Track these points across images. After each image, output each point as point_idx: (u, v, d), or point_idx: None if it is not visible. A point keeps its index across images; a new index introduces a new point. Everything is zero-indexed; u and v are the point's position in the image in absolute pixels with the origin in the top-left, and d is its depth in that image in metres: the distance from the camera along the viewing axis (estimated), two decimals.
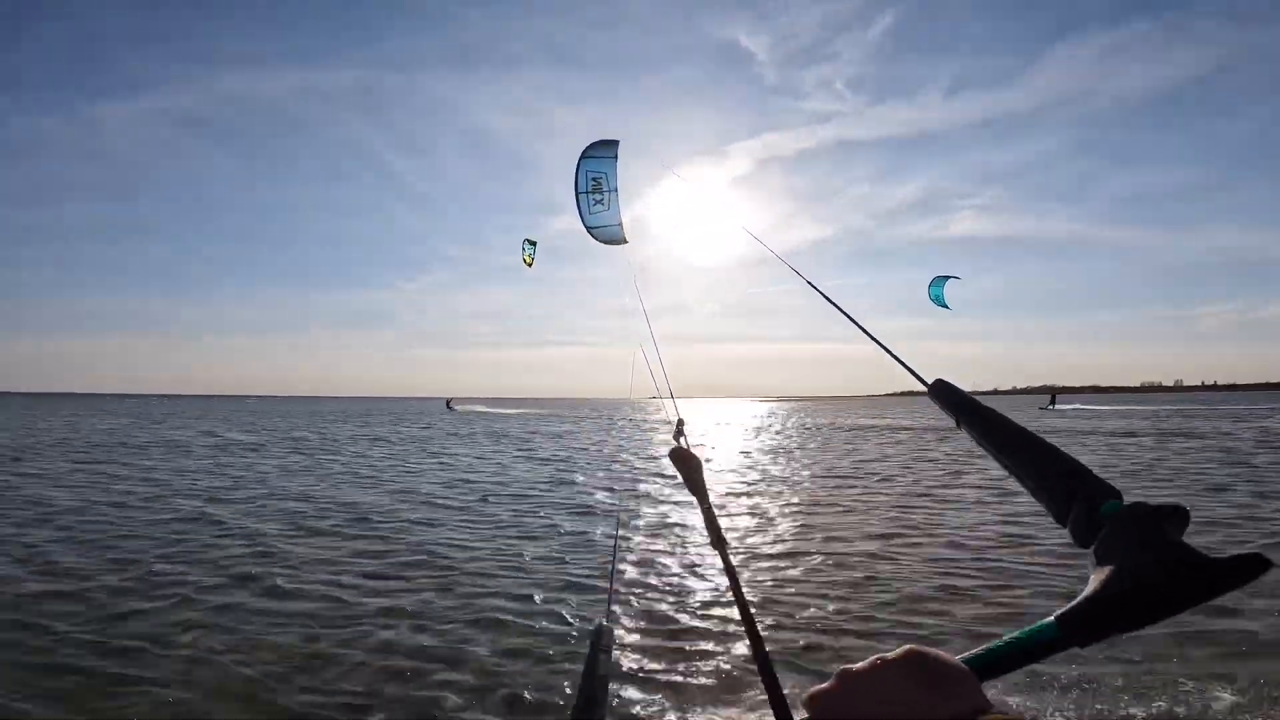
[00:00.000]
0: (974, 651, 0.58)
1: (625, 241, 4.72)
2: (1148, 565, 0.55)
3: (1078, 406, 58.40)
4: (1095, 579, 0.57)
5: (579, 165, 4.35)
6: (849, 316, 1.36)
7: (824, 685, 0.52)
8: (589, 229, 4.53)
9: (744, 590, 0.92)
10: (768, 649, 0.80)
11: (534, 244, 11.43)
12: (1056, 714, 3.83)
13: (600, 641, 0.91)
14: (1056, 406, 50.73)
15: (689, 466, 1.13)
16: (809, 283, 1.53)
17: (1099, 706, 3.91)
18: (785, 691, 0.73)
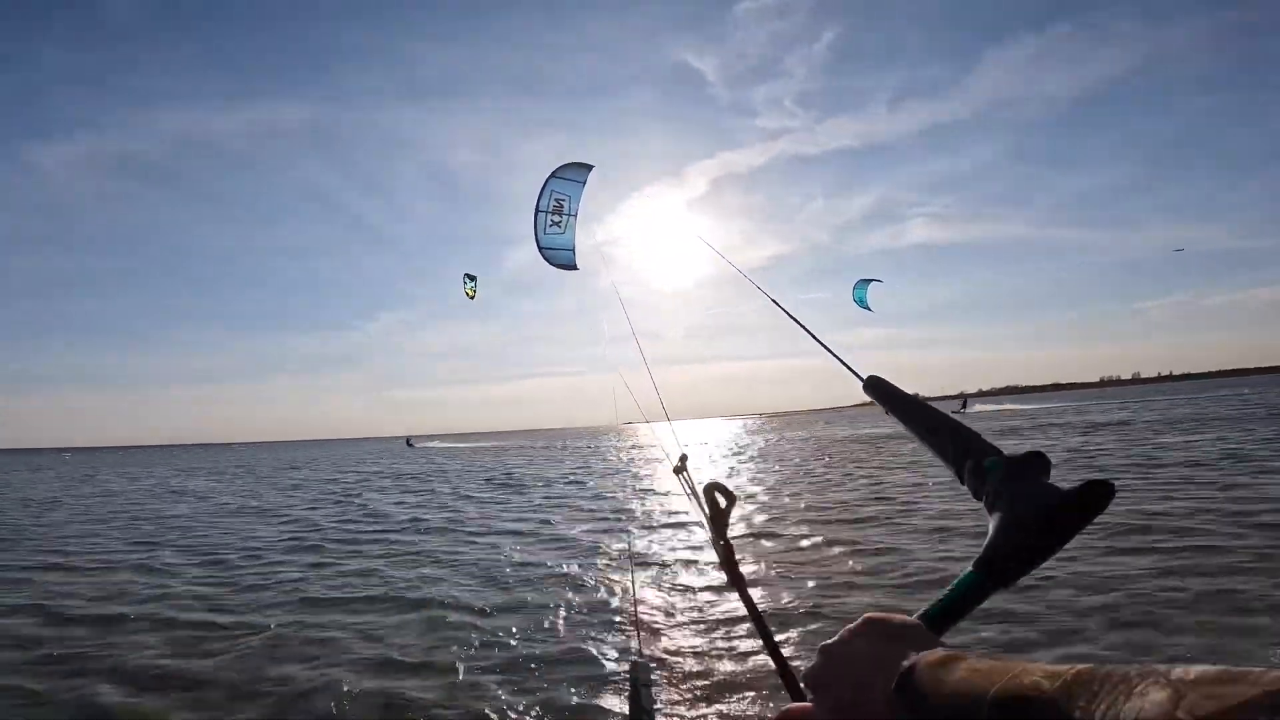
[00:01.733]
0: (922, 609, 0.66)
1: (576, 268, 4.68)
2: (1023, 506, 0.65)
3: (989, 408, 65.89)
4: (991, 526, 0.66)
5: (546, 183, 4.34)
6: (792, 317, 1.48)
7: (812, 664, 0.61)
8: (541, 249, 4.50)
9: (766, 621, 0.96)
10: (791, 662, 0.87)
11: (473, 279, 11.83)
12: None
13: (639, 677, 0.92)
14: (966, 410, 54.88)
15: (715, 506, 1.04)
16: (759, 288, 1.60)
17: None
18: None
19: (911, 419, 0.87)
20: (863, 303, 17.54)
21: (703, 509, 1.06)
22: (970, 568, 0.65)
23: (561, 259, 4.40)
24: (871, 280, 17.96)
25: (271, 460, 52.92)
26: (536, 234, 4.37)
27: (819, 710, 0.59)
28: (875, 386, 0.96)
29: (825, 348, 1.24)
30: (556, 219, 4.42)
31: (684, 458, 1.41)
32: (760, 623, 0.94)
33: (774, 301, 1.58)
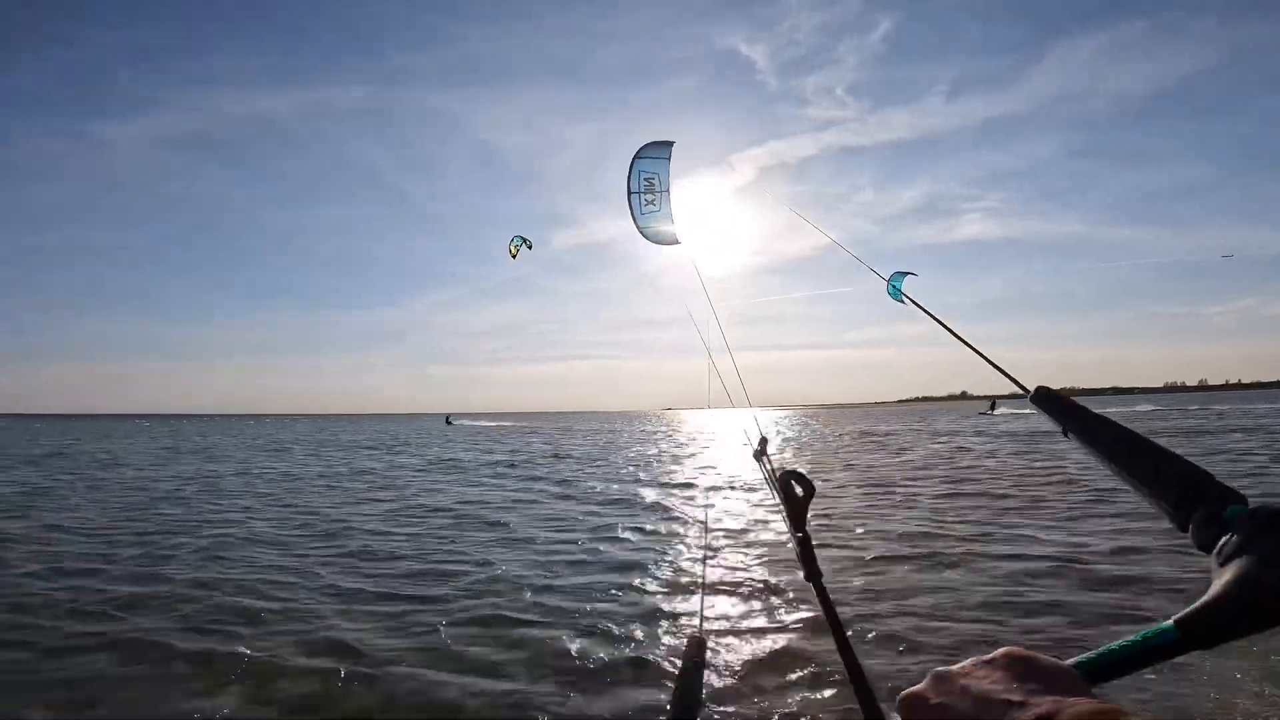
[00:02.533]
0: (1086, 655, 0.57)
1: (679, 242, 4.56)
2: (1274, 569, 0.54)
3: (1014, 410, 60.13)
4: (1218, 582, 0.55)
5: (632, 165, 4.20)
6: (933, 316, 1.43)
7: (917, 686, 0.54)
8: (641, 230, 4.37)
9: (838, 612, 0.89)
10: (861, 661, 0.79)
11: (525, 240, 11.69)
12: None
13: (695, 653, 0.90)
14: (995, 412, 52.86)
15: (791, 495, 0.98)
16: (872, 269, 1.41)
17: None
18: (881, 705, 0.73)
19: (1101, 442, 0.72)
20: (897, 295, 16.86)
21: (780, 496, 1.02)
22: (1168, 622, 0.55)
23: (662, 236, 4.25)
24: (908, 274, 17.30)
25: (362, 435, 51.65)
26: (634, 216, 4.20)
27: None
28: (1045, 400, 0.82)
29: (980, 354, 1.20)
30: (650, 198, 4.25)
31: (764, 441, 1.37)
32: (836, 623, 0.86)
33: (915, 303, 1.53)
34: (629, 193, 4.30)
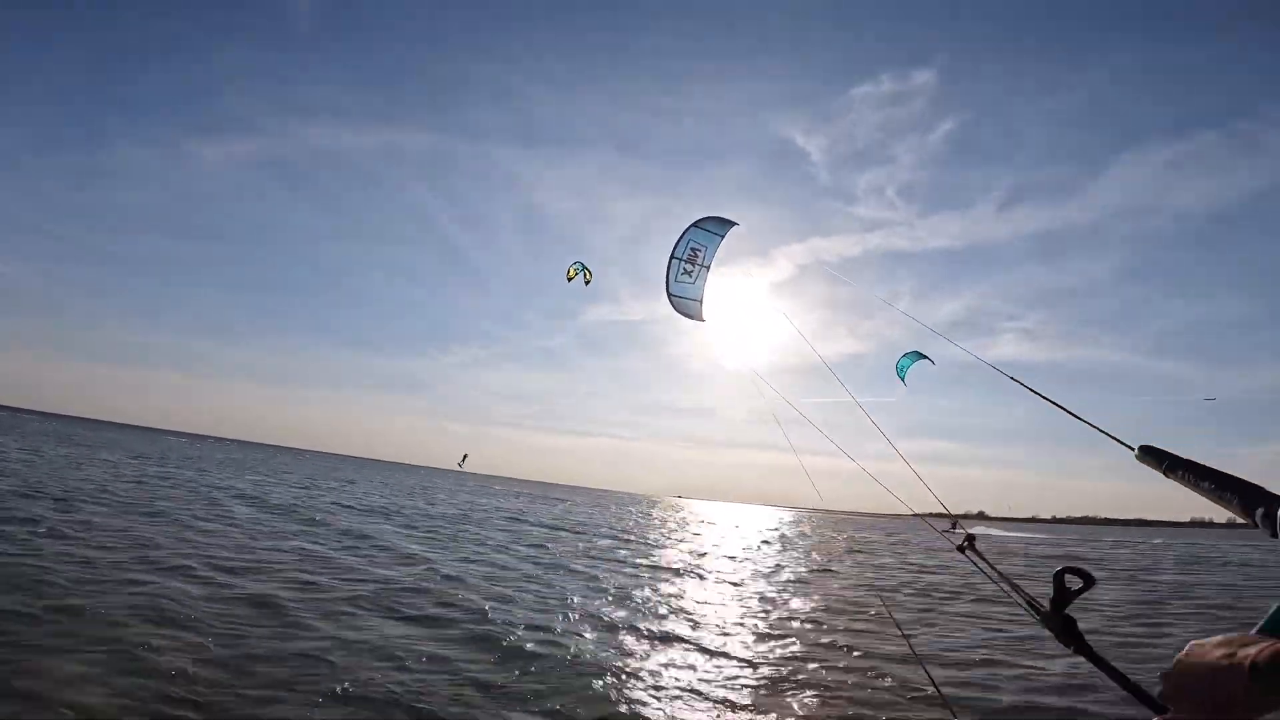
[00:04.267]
0: (1258, 624, 0.81)
1: (703, 320, 4.60)
2: None
3: (981, 530, 71.43)
4: None
5: (685, 232, 4.30)
6: (1037, 392, 2.03)
7: (1168, 672, 0.76)
8: (670, 296, 4.44)
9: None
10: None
11: (585, 268, 11.66)
12: None
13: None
14: (956, 530, 55.23)
15: (1062, 589, 1.14)
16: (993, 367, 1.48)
17: None
18: None
19: (1197, 477, 1.07)
20: (903, 373, 16.69)
21: (1015, 587, 1.26)
22: None
23: (688, 307, 4.32)
24: (924, 357, 17.05)
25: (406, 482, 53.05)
26: (668, 280, 4.29)
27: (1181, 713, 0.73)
28: (1150, 452, 1.17)
29: (1077, 416, 1.56)
30: (689, 268, 4.33)
31: (971, 538, 1.40)
32: (1120, 675, 1.08)
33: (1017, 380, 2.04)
34: (671, 256, 4.39)
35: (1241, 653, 0.66)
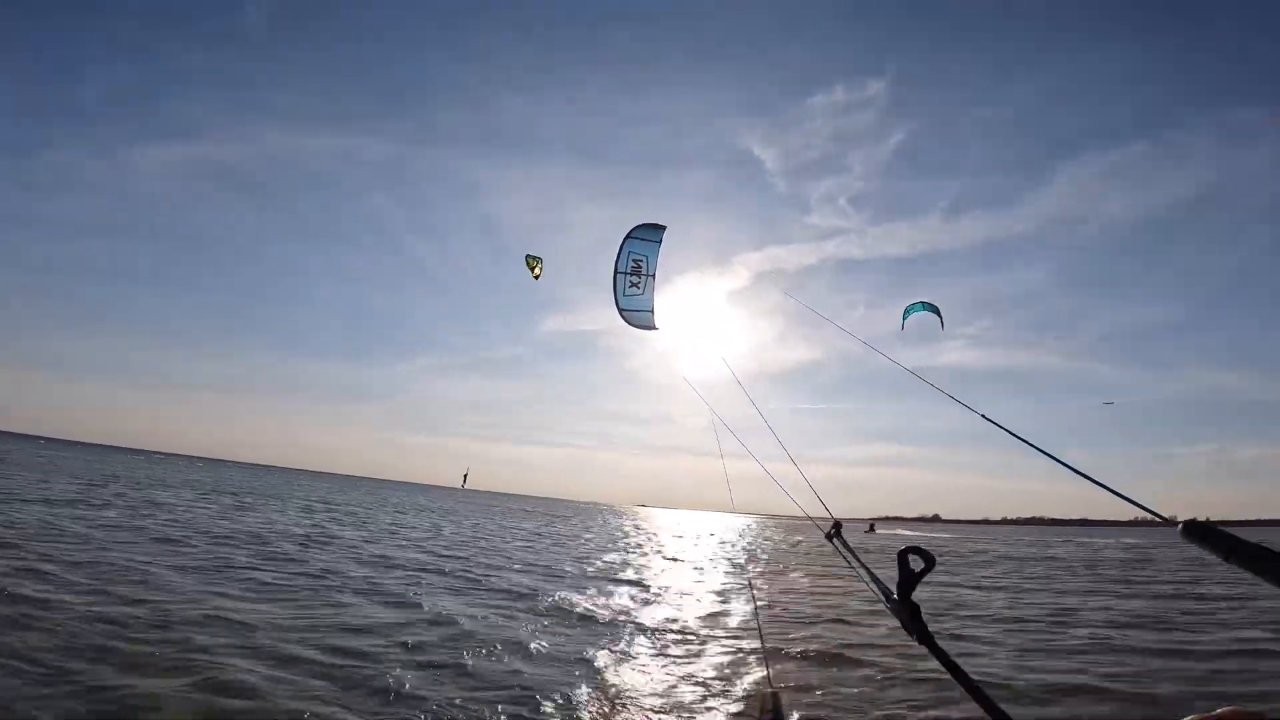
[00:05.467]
0: None
1: (655, 328, 4.65)
2: None
3: (893, 531, 73.79)
4: None
5: (623, 245, 4.35)
6: (1079, 471, 1.62)
7: None
8: (621, 310, 4.47)
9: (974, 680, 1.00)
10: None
11: (539, 260, 11.67)
12: None
13: (776, 710, 0.95)
14: (875, 531, 60.41)
15: (906, 567, 1.12)
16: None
17: None
18: None
19: (1247, 560, 0.86)
20: (906, 316, 15.77)
21: (868, 570, 1.31)
22: None
23: (640, 319, 4.36)
24: (937, 314, 15.83)
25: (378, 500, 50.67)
26: (616, 296, 4.32)
27: None
28: (1195, 532, 0.93)
29: (1114, 492, 1.40)
30: (635, 280, 4.38)
31: (838, 524, 1.58)
32: (963, 675, 0.99)
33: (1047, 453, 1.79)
34: (615, 272, 4.43)
35: None
